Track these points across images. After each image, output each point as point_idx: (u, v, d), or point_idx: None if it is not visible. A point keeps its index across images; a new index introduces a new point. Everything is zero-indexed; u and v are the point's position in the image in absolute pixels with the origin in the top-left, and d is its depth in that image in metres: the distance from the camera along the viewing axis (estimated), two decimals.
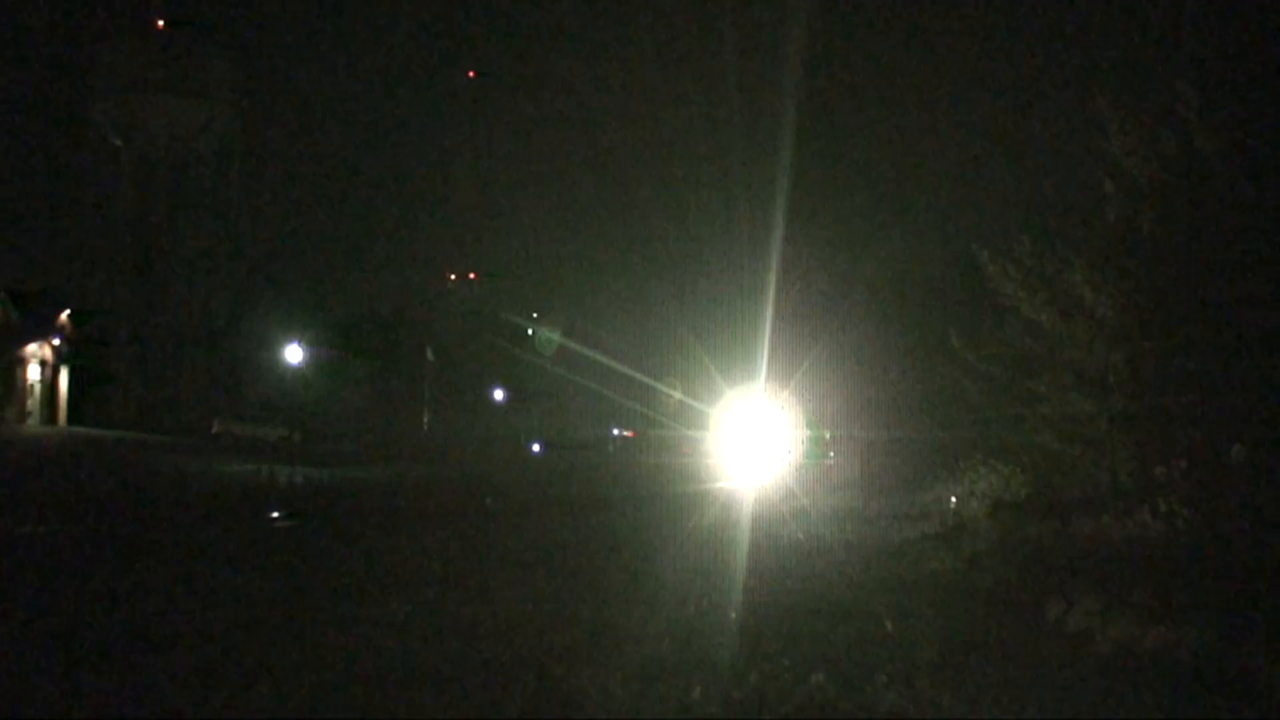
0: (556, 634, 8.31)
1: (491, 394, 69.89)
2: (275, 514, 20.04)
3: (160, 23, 60.81)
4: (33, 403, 44.58)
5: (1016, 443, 17.09)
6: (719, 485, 32.41)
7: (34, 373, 44.74)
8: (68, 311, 47.09)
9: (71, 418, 46.67)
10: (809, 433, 30.50)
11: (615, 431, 72.91)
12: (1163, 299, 12.66)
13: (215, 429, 46.05)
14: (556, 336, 68.75)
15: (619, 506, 24.33)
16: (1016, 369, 16.23)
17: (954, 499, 18.77)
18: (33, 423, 43.67)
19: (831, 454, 30.24)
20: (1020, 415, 16.28)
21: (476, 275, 70.15)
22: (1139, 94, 12.95)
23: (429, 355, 62.38)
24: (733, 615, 9.53)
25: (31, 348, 44.40)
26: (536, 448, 65.85)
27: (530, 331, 71.32)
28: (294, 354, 48.17)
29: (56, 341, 45.89)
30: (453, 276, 70.29)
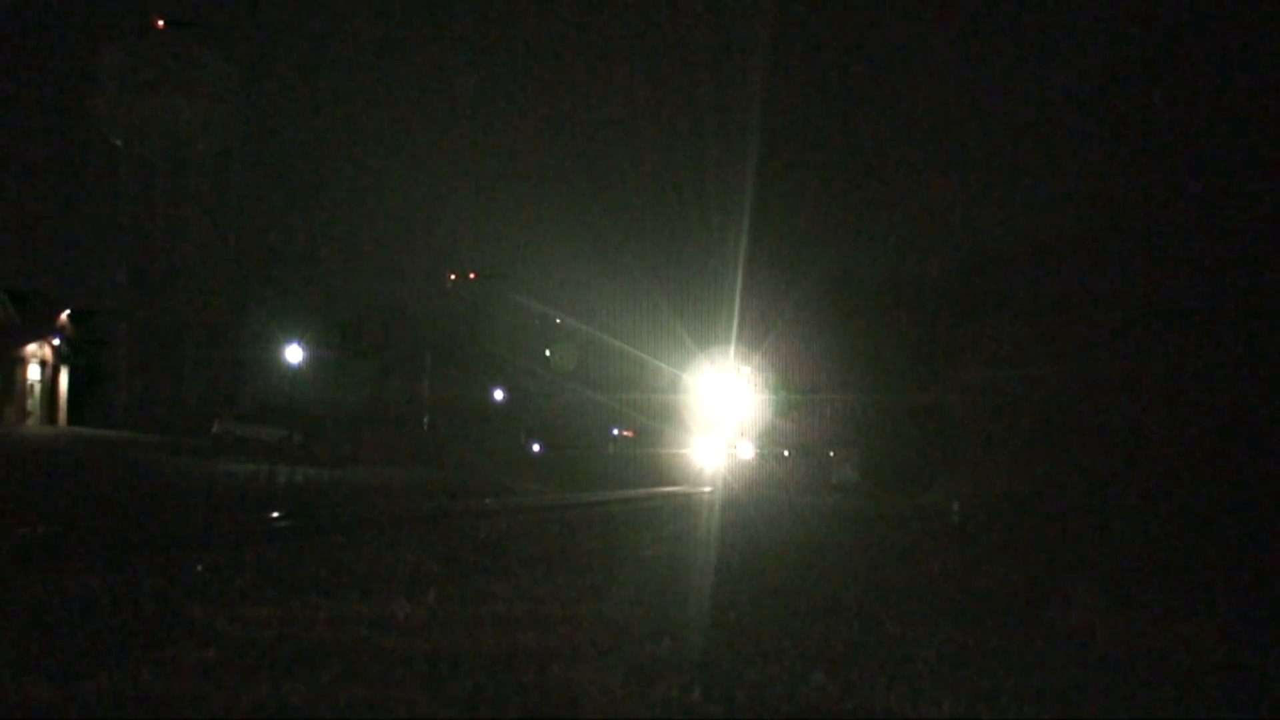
0: (556, 633, 8.30)
1: (491, 394, 69.92)
2: (275, 514, 20.03)
3: (160, 23, 60.81)
4: (33, 403, 44.58)
5: (1008, 431, 17.11)
6: (718, 484, 32.40)
7: (34, 373, 44.74)
8: (68, 311, 47.12)
9: (71, 418, 46.68)
10: (806, 429, 30.52)
11: (615, 431, 73.06)
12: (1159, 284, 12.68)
13: (215, 429, 46.00)
14: (573, 355, 69.25)
15: (616, 506, 24.34)
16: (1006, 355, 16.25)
17: (954, 498, 18.79)
18: (33, 423, 43.67)
19: (832, 453, 30.27)
20: (1021, 391, 16.27)
21: (476, 275, 70.19)
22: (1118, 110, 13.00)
23: (428, 355, 62.31)
24: (733, 615, 9.53)
25: (31, 348, 44.41)
26: (536, 447, 65.90)
27: (548, 353, 71.91)
28: (294, 354, 48.07)
29: (56, 341, 45.90)
30: (453, 276, 70.33)
